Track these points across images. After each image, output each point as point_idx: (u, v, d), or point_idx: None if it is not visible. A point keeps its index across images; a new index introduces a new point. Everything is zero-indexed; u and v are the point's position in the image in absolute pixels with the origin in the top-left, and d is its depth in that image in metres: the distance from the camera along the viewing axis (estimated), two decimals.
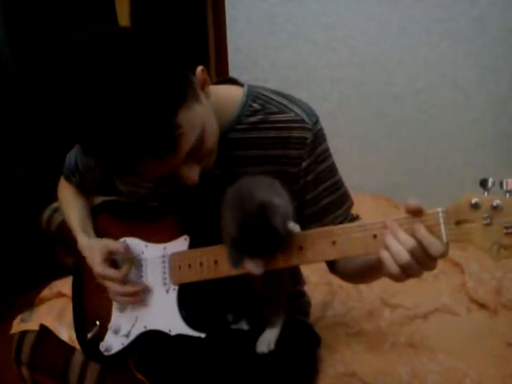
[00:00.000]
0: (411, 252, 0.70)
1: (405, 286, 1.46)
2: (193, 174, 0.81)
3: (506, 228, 0.66)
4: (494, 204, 0.66)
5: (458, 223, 0.70)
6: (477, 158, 1.98)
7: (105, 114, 0.67)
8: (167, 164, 0.74)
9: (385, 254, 0.73)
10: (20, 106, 2.15)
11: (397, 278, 0.74)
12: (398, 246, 0.71)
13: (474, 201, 0.68)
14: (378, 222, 0.75)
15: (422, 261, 0.71)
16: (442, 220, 0.70)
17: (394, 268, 0.72)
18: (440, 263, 1.66)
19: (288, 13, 2.16)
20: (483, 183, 0.69)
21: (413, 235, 0.71)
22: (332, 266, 1.03)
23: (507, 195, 0.67)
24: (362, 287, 1.47)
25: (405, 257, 0.70)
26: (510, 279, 1.47)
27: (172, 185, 0.97)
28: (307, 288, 1.26)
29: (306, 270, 1.28)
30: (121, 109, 0.66)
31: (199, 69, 0.80)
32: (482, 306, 1.39)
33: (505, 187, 0.67)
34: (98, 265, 0.98)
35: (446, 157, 2.08)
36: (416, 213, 0.72)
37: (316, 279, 1.47)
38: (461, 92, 1.99)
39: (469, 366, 1.14)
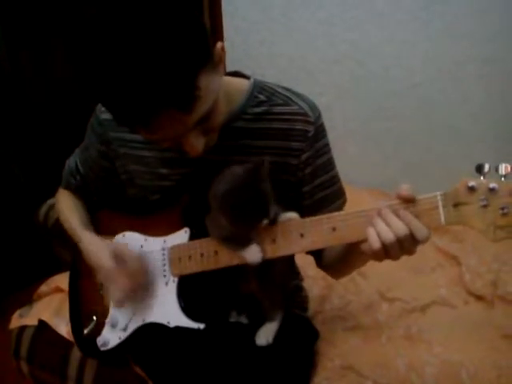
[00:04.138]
0: (397, 235, 0.73)
1: (402, 280, 1.48)
2: (198, 143, 0.82)
3: (502, 209, 0.69)
4: (491, 186, 0.69)
5: (455, 206, 0.72)
6: (475, 152, 1.97)
7: (132, 60, 0.67)
8: (180, 123, 0.75)
9: (371, 231, 0.76)
10: (17, 103, 2.14)
11: (375, 256, 0.78)
12: (384, 226, 0.75)
13: (470, 184, 0.70)
14: (377, 207, 0.77)
15: (405, 244, 0.74)
16: (440, 203, 0.72)
17: (376, 245, 0.75)
18: (437, 256, 1.67)
19: (284, 7, 2.14)
20: (479, 168, 0.71)
21: (402, 219, 0.74)
22: (319, 258, 1.05)
23: (503, 179, 0.69)
24: (360, 281, 1.47)
25: (389, 236, 0.74)
26: (506, 272, 1.48)
27: (176, 177, 0.98)
28: (305, 282, 1.26)
29: (303, 264, 1.28)
30: (149, 57, 0.67)
31: (220, 44, 0.80)
32: (479, 298, 1.39)
33: (500, 171, 0.70)
34: (107, 260, 0.95)
35: (443, 151, 2.07)
36: (407, 201, 0.75)
37: (313, 273, 1.46)
38: (459, 86, 1.98)
39: (465, 358, 1.15)
